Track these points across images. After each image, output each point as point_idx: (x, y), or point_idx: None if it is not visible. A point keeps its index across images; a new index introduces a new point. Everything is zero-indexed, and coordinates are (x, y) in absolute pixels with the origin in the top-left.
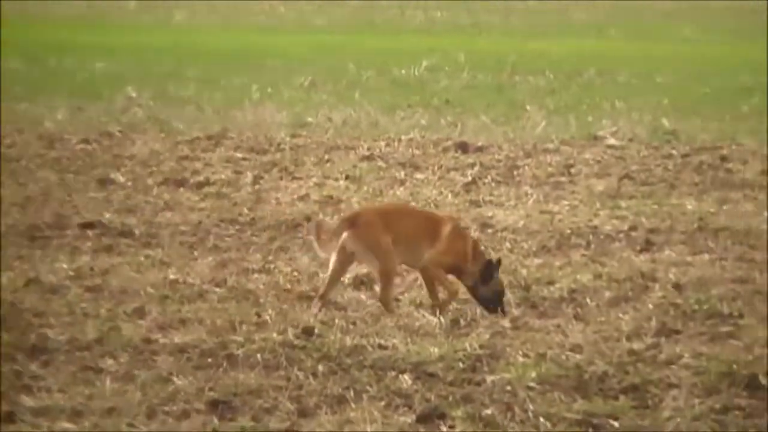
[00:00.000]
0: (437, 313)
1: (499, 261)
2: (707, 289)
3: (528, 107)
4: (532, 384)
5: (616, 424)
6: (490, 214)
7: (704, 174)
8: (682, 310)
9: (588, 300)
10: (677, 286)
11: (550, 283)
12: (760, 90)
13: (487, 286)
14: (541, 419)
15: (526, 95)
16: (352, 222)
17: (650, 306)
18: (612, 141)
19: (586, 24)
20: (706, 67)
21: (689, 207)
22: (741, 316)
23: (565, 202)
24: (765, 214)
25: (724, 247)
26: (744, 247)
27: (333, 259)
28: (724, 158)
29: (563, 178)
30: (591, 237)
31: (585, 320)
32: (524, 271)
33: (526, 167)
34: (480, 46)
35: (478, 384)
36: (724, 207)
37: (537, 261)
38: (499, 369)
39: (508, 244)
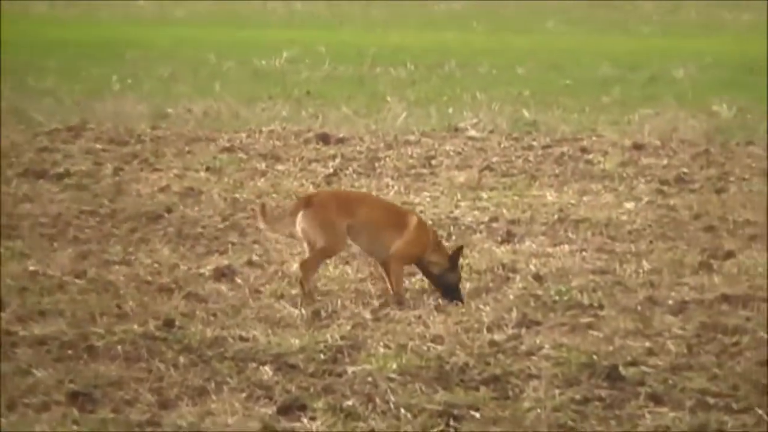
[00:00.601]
0: (396, 302)
1: (462, 249)
2: (567, 280)
3: (389, 99)
4: (393, 375)
5: (476, 414)
6: None
7: (565, 165)
8: (542, 301)
9: None
10: (538, 277)
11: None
12: (620, 81)
13: (454, 273)
14: (402, 410)
15: (387, 87)
16: (307, 202)
17: (511, 297)
18: (473, 132)
19: (447, 16)
20: (566, 58)
21: (550, 198)
22: (601, 307)
23: (426, 194)
24: (625, 205)
25: (585, 239)
26: (604, 238)
27: (302, 240)
28: (584, 149)
29: (424, 170)
30: (452, 228)
31: (446, 311)
32: None
33: (387, 159)
34: (341, 37)
35: (339, 375)
36: (585, 198)
37: None
38: (360, 360)
39: None
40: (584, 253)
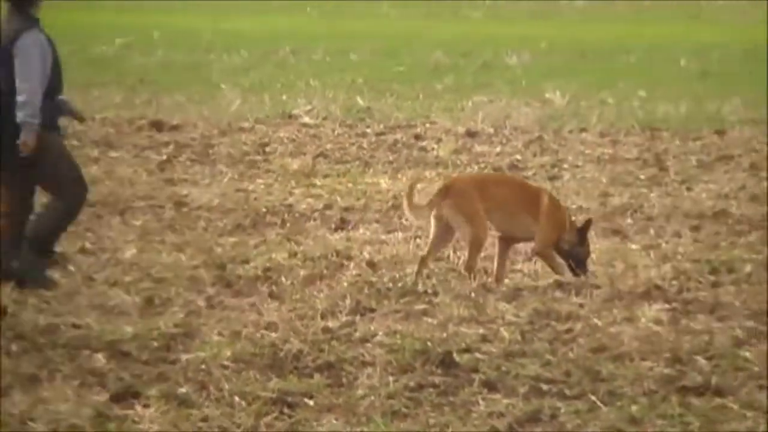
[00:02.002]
0: (497, 284)
1: (591, 223)
2: (402, 267)
3: (223, 86)
4: (226, 362)
5: (310, 402)
6: (185, 192)
7: (399, 152)
8: (376, 288)
9: (283, 278)
10: (372, 264)
11: (245, 261)
12: (453, 68)
13: (583, 247)
14: (236, 398)
15: (221, 74)
16: (447, 191)
17: (345, 284)
18: (306, 119)
19: (281, 1)
20: (400, 45)
21: (384, 185)
22: (435, 293)
23: (260, 181)
24: None
25: (418, 226)
26: None
27: (433, 226)
28: (418, 137)
29: (258, 157)
30: (286, 215)
31: (280, 299)
32: (219, 250)
33: (221, 146)
34: (175, 23)
35: (173, 363)
36: (418, 185)
37: (232, 239)
38: (193, 348)
39: (202, 223)
40: (418, 240)
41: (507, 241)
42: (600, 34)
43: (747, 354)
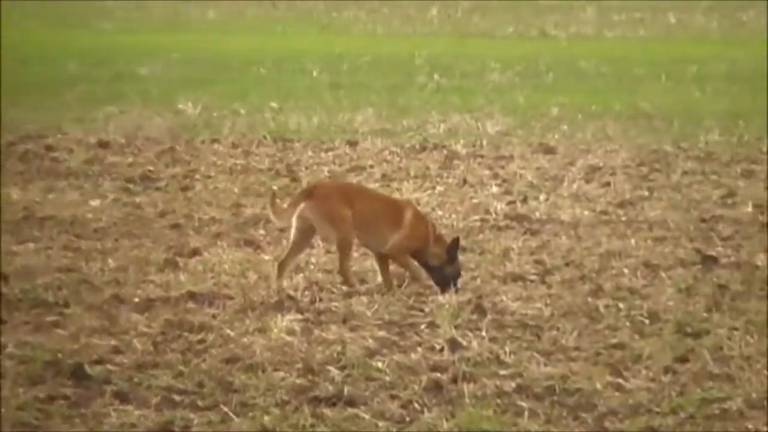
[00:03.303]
0: (385, 291)
1: (459, 241)
2: (33, 278)
3: None
4: None
5: None
6: None
7: (30, 163)
8: (7, 299)
9: None
10: (3, 276)
11: None
12: (85, 79)
13: (452, 266)
14: None
15: None
16: (309, 193)
17: None
18: None
19: None
20: (32, 55)
21: (15, 196)
22: (67, 304)
23: None
24: (91, 203)
25: (50, 236)
26: (70, 235)
27: (293, 228)
28: (49, 147)
29: None
30: None
31: None
32: None
33: None
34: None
35: None
36: (50, 196)
37: None
38: None
39: None
40: (49, 251)
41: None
42: (232, 45)
43: (379, 364)
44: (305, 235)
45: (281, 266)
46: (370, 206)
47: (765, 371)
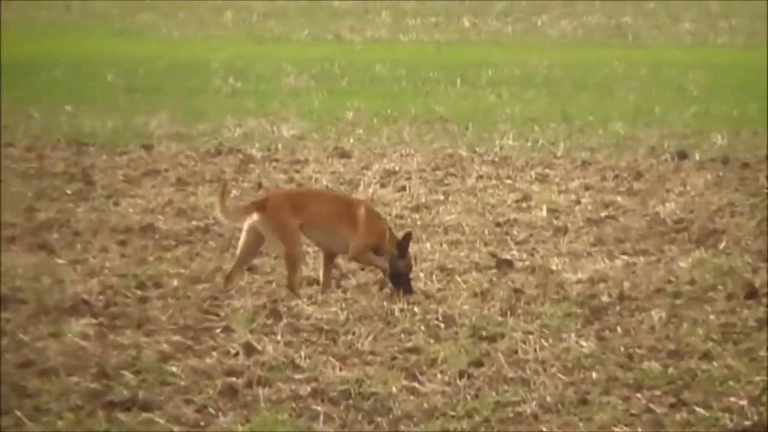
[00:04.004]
0: (323, 292)
1: (411, 235)
2: None
3: None
4: None
5: None
6: None
7: None
8: None
9: None
10: None
11: None
12: None
13: (403, 260)
14: None
15: None
16: (260, 205)
17: None
18: None
19: None
20: None
21: None
22: None
23: None
24: None
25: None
26: None
27: (242, 239)
28: None
29: None
30: None
31: None
32: None
33: None
34: None
35: None
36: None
37: None
38: None
39: None
40: None
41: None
42: (26, 48)
43: (173, 368)
44: (253, 246)
45: (229, 277)
46: (322, 208)
47: (559, 375)
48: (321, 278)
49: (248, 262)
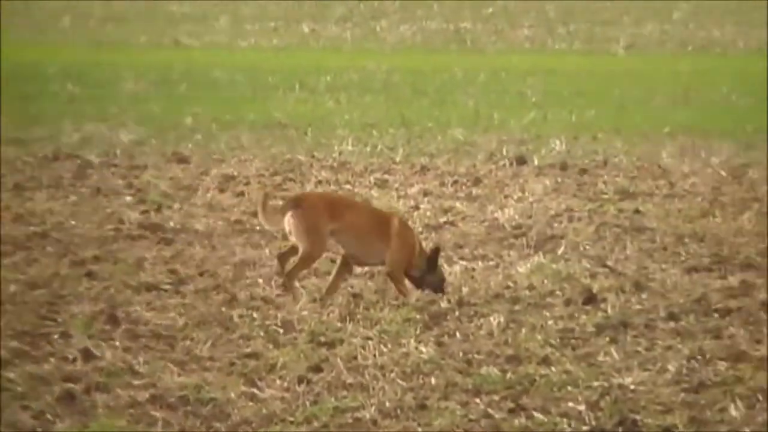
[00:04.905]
0: (324, 298)
1: (439, 251)
2: None
3: None
4: None
5: None
6: None
7: None
8: None
9: None
10: None
11: None
12: None
13: (433, 275)
14: None
15: None
16: (297, 203)
17: None
18: None
19: None
20: None
21: None
22: None
23: None
24: None
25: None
26: None
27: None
28: None
29: None
30: None
31: None
32: None
33: None
34: None
35: None
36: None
37: None
38: None
39: None
40: None
41: (351, 262)
42: None
43: (11, 374)
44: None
45: (282, 258)
46: (357, 217)
47: (398, 380)
48: (329, 282)
49: (344, 275)
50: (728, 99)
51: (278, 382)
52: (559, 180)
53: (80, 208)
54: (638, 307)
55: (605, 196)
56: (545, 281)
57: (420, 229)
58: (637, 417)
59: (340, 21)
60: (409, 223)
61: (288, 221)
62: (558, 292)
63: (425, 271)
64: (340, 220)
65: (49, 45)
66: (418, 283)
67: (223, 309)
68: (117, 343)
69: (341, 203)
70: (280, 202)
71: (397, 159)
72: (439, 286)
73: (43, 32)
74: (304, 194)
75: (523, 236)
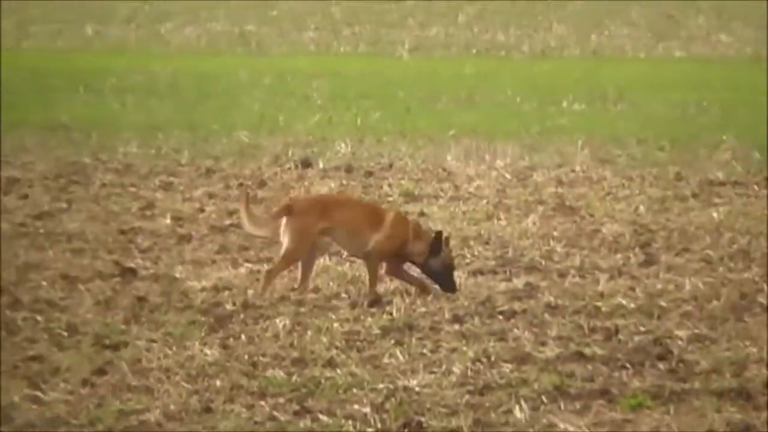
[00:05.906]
0: (369, 304)
1: (442, 234)
2: None
3: None
4: None
5: None
6: None
7: None
8: None
9: None
10: None
11: None
12: None
13: (437, 258)
14: None
15: None
16: (287, 210)
17: None
18: None
19: None
20: None
21: None
22: None
23: None
24: None
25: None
26: None
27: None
28: None
29: None
30: None
31: None
32: None
33: None
34: None
35: None
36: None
37: None
38: None
39: None
40: None
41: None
42: None
43: None
44: (310, 251)
45: (302, 285)
46: (349, 213)
47: (183, 383)
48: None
49: (312, 267)
50: (512, 101)
51: (62, 385)
52: (345, 182)
53: None
54: (423, 309)
55: (390, 199)
56: (330, 283)
57: (205, 232)
58: (422, 419)
59: (124, 22)
60: (417, 223)
61: (282, 228)
62: (344, 295)
63: (428, 257)
64: (330, 219)
65: None
66: (425, 271)
67: (7, 312)
68: None
69: (331, 202)
70: (263, 208)
71: (183, 161)
72: (444, 274)
73: None
74: (294, 200)
75: None
